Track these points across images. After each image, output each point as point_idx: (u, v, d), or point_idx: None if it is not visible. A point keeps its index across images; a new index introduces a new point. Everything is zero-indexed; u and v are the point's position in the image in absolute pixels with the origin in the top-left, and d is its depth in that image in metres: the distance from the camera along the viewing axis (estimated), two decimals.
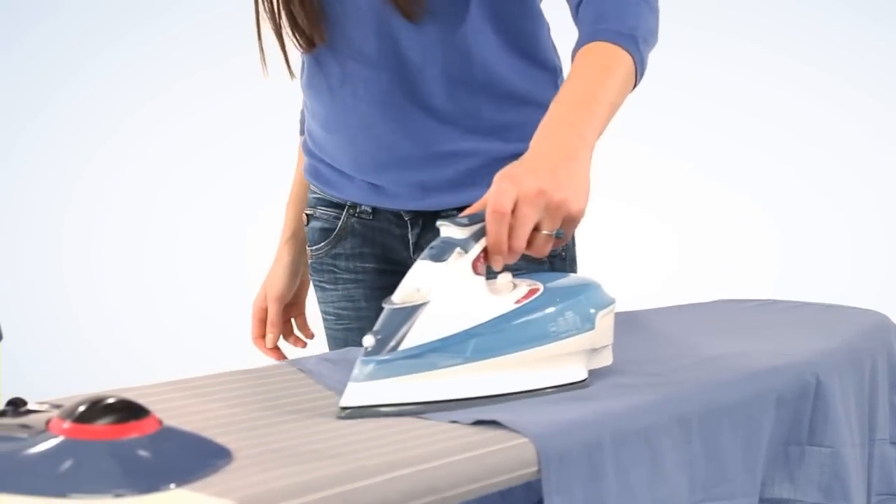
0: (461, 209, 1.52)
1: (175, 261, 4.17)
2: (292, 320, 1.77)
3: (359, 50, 1.49)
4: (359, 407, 1.09)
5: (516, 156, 1.49)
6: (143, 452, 0.86)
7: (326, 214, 1.65)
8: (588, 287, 1.23)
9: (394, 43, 1.47)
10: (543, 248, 1.18)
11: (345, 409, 1.10)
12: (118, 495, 0.82)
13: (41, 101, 4.28)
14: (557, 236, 1.18)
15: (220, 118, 4.08)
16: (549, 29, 1.56)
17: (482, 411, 1.06)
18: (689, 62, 3.59)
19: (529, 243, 1.17)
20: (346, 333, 1.69)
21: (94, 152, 4.26)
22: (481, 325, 1.13)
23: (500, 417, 1.03)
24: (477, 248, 1.16)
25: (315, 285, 1.72)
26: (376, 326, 1.12)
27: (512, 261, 1.17)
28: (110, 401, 0.89)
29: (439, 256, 1.14)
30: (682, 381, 1.22)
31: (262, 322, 1.73)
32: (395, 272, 1.63)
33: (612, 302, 1.23)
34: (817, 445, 1.28)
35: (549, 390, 1.16)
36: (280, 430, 1.03)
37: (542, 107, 1.51)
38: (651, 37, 1.36)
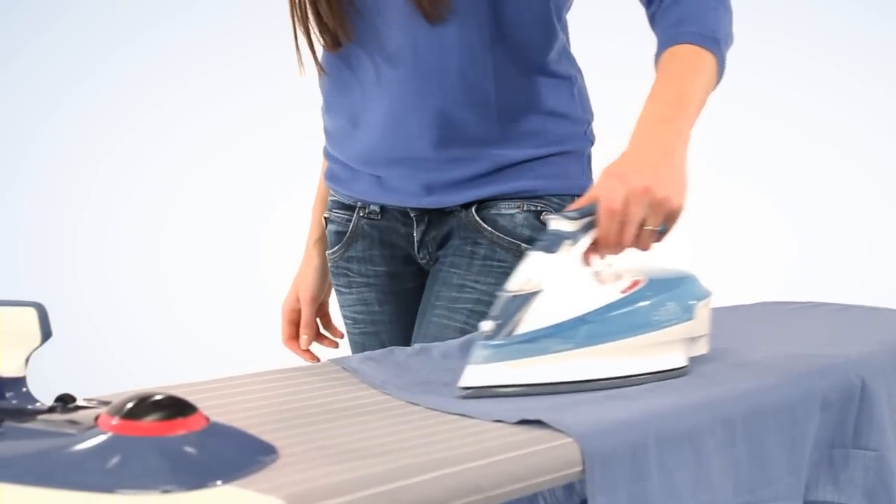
0: (465, 206, 1.54)
1: (191, 260, 4.17)
2: (317, 321, 1.78)
3: (383, 46, 1.50)
4: (478, 387, 1.15)
5: (522, 162, 1.53)
6: (190, 449, 0.87)
7: (339, 217, 1.66)
8: (687, 279, 1.29)
9: (413, 43, 1.48)
10: (648, 243, 1.24)
11: (465, 388, 1.15)
12: (165, 491, 0.83)
13: (56, 101, 4.29)
14: (661, 231, 1.24)
15: (236, 118, 4.08)
16: (564, 39, 1.57)
17: (527, 411, 1.06)
18: None
19: (636, 238, 1.23)
20: (363, 337, 1.70)
21: (110, 152, 4.27)
22: (590, 312, 1.19)
23: (545, 417, 1.03)
24: (585, 241, 1.22)
25: (334, 289, 1.73)
26: (494, 312, 1.18)
27: (618, 253, 1.24)
28: (158, 397, 0.89)
29: (550, 248, 1.20)
30: (726, 382, 1.22)
31: (294, 324, 1.75)
32: (405, 276, 1.64)
33: (709, 294, 1.28)
34: (862, 448, 1.28)
35: (651, 376, 1.21)
36: (326, 428, 1.03)
37: (554, 115, 1.54)
38: (729, 38, 1.42)
